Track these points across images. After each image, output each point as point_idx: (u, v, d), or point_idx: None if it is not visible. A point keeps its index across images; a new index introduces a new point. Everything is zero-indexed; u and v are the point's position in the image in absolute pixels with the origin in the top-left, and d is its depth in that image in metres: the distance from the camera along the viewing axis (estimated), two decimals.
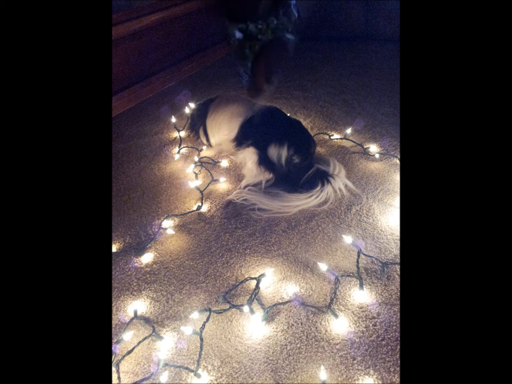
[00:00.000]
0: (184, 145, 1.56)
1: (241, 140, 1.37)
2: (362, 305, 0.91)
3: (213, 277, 1.00)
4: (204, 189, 1.30)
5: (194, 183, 1.33)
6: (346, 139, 1.55)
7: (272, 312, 0.90)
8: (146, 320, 0.90)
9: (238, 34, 1.79)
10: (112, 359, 0.82)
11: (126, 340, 0.85)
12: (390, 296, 0.93)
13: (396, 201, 1.21)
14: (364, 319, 0.88)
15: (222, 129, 1.44)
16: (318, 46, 2.68)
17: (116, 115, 1.83)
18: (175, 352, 0.83)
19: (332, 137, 1.57)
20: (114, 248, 1.10)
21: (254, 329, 0.87)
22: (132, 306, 0.93)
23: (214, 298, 0.95)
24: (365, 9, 2.58)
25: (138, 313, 0.91)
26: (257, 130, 1.33)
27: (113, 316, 0.91)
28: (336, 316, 0.87)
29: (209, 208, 1.24)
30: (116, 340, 0.85)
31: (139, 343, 0.84)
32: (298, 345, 0.83)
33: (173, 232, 1.14)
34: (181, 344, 0.85)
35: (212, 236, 1.13)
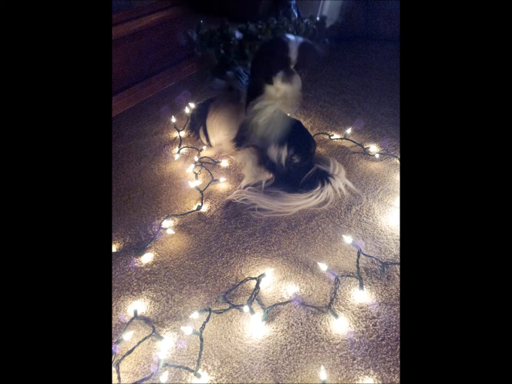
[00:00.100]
0: (184, 145, 1.56)
1: (241, 140, 1.37)
2: (362, 305, 0.91)
3: (213, 277, 1.00)
4: (204, 189, 1.30)
5: (194, 183, 1.32)
6: (346, 139, 1.55)
7: (272, 312, 0.90)
8: (146, 320, 0.90)
9: (238, 34, 1.80)
10: (112, 359, 0.82)
11: (126, 339, 0.85)
12: (390, 296, 0.93)
13: (396, 201, 1.21)
14: (363, 319, 0.88)
15: (222, 129, 1.44)
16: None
17: (116, 115, 1.83)
18: (175, 352, 0.83)
19: (332, 137, 1.57)
20: (114, 248, 1.10)
21: (254, 329, 0.87)
22: (132, 306, 0.93)
23: (214, 298, 0.95)
24: (365, 9, 2.57)
25: (138, 313, 0.91)
26: None
27: (113, 316, 0.91)
28: (336, 316, 0.88)
29: (209, 208, 1.24)
30: (115, 340, 0.85)
31: (139, 343, 0.84)
32: (298, 345, 0.83)
33: (173, 232, 1.14)
34: (181, 344, 0.85)
35: (212, 236, 1.13)
